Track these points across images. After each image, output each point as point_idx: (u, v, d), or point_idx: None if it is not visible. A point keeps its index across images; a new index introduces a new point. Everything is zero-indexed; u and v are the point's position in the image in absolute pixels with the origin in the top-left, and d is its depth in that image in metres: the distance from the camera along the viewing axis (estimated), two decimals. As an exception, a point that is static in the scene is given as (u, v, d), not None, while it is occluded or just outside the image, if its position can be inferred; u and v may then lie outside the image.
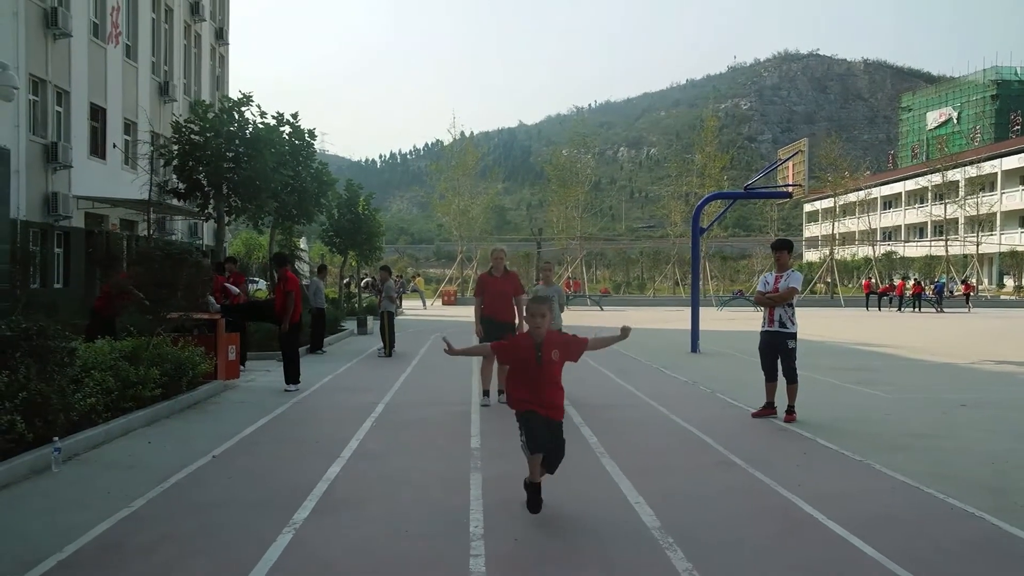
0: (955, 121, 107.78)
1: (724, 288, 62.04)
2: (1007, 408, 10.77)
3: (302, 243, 46.99)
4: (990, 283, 72.49)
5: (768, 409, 9.93)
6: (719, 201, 26.44)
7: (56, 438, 6.93)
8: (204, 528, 5.33)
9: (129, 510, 5.70)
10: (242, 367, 14.64)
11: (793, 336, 9.79)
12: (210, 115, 18.27)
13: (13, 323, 7.46)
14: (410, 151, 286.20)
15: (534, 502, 5.57)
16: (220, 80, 38.90)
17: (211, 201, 18.46)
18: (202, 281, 11.23)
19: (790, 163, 19.17)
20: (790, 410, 9.68)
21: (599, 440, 8.30)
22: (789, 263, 10.01)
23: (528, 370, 5.54)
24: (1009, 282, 70.31)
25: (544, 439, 5.50)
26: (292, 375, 12.05)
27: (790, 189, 19.06)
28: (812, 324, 30.15)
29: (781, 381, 9.84)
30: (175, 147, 18.39)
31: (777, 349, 9.80)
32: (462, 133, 66.20)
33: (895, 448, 8.04)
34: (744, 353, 16.81)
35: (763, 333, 9.97)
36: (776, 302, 9.75)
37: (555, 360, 5.56)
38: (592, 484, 6.56)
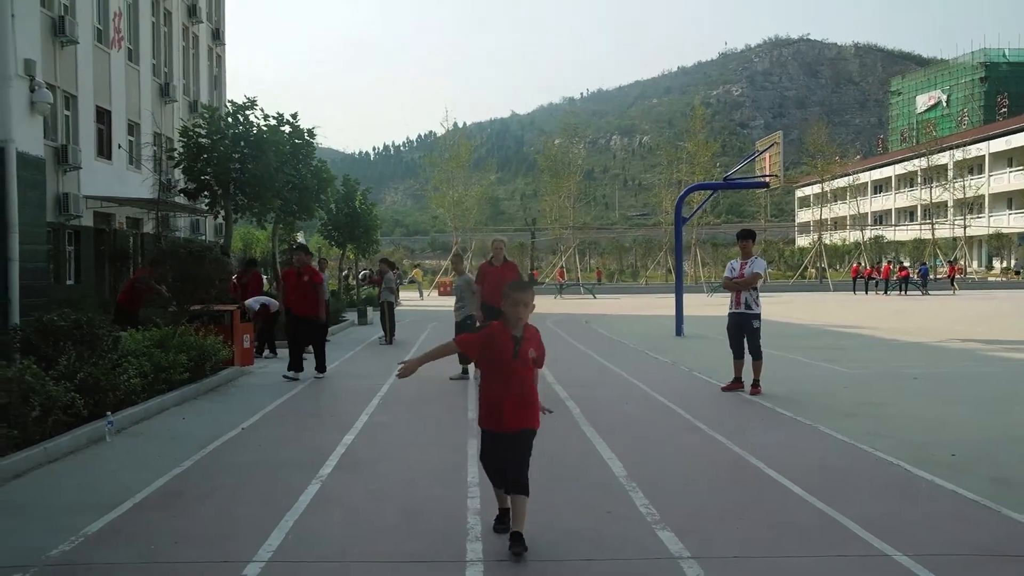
0: (945, 104, 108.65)
1: (715, 275, 63.12)
2: (955, 379, 11.87)
3: (300, 237, 47.94)
4: (979, 265, 73.68)
5: (736, 384, 10.98)
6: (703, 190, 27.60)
7: (109, 412, 7.99)
8: (245, 482, 6.40)
9: (180, 469, 6.77)
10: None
11: (757, 317, 10.85)
12: (219, 121, 19.25)
13: (65, 315, 8.50)
14: (403, 143, 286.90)
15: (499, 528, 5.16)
16: (218, 79, 39.76)
17: (219, 200, 19.46)
18: (221, 276, 12.25)
19: (767, 154, 20.22)
20: (755, 384, 10.72)
21: (581, 411, 9.37)
22: (753, 251, 11.06)
23: (503, 366, 4.91)
24: (997, 264, 71.50)
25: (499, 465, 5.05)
26: (321, 364, 12.93)
27: (767, 179, 20.11)
28: (798, 308, 31.32)
29: (748, 358, 10.89)
30: (182, 149, 19.38)
31: (743, 329, 10.85)
32: (455, 125, 67.02)
33: (844, 415, 9.11)
34: (726, 336, 17.87)
35: (730, 315, 11.04)
36: (742, 287, 10.81)
37: (530, 359, 4.96)
38: (572, 444, 7.65)
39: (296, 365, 12.50)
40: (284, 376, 12.36)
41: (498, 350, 4.90)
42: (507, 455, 4.95)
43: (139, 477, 6.46)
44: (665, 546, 4.87)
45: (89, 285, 24.51)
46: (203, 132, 19.42)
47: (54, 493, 6.11)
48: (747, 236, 11.20)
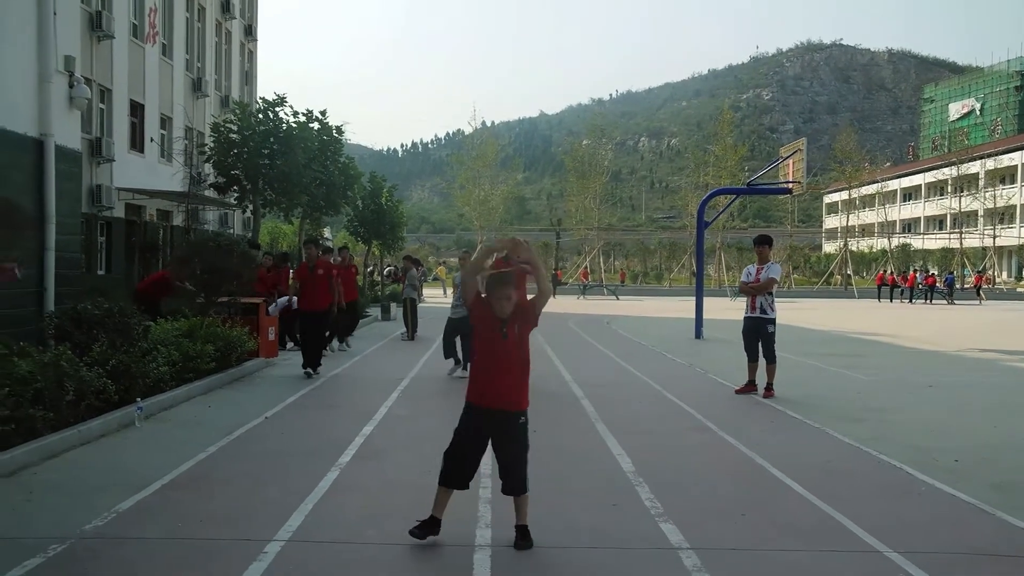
0: (978, 112, 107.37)
1: (739, 279, 62.99)
2: (967, 389, 11.96)
3: (327, 232, 48.47)
4: (1008, 276, 73.00)
5: (750, 386, 11.14)
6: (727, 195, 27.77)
7: (139, 399, 8.32)
8: (268, 467, 6.69)
9: (205, 454, 7.06)
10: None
11: (772, 321, 11.00)
12: (251, 117, 19.65)
13: (98, 304, 8.84)
14: (431, 140, 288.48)
15: (420, 532, 4.97)
16: (249, 75, 40.25)
17: (248, 195, 19.87)
18: (248, 268, 12.55)
19: (790, 161, 20.31)
20: (769, 387, 10.89)
21: (595, 410, 9.59)
22: (769, 256, 11.22)
23: (493, 345, 5.07)
24: (1027, 274, 70.80)
25: (472, 458, 5.22)
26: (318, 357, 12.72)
27: (790, 186, 20.22)
28: (821, 315, 31.32)
29: (763, 361, 11.04)
30: (213, 144, 19.80)
31: (758, 333, 11.00)
32: (483, 124, 67.31)
33: (853, 419, 9.26)
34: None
35: (746, 319, 11.20)
36: (757, 291, 10.97)
37: (518, 334, 5.09)
38: (584, 440, 7.89)
39: (311, 361, 12.44)
40: (305, 373, 12.30)
41: (487, 327, 5.05)
42: (502, 447, 5.15)
43: (167, 460, 6.75)
44: (666, 537, 5.09)
45: (119, 275, 24.97)
46: (234, 128, 19.83)
47: (87, 473, 6.42)
48: (763, 242, 11.36)
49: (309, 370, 12.34)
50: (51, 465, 6.59)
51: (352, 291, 16.77)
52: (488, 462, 6.79)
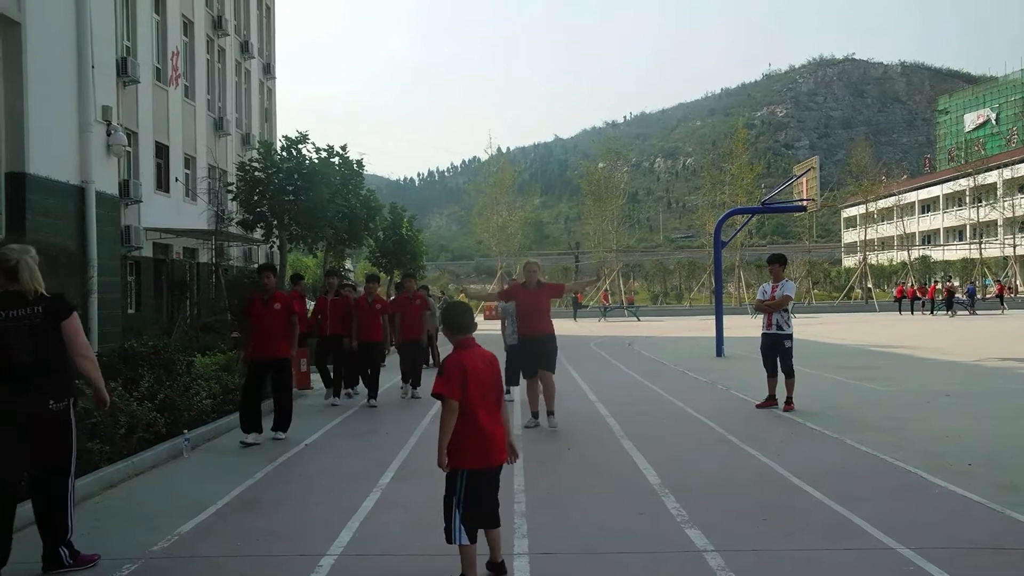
0: (994, 122, 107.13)
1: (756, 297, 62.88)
2: (985, 396, 12.23)
3: (347, 264, 48.97)
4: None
5: (770, 401, 11.45)
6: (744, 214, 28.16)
7: (186, 430, 8.76)
8: (314, 489, 7.09)
9: (253, 480, 7.48)
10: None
11: (789, 337, 11.32)
12: (275, 155, 20.24)
13: (143, 341, 9.31)
14: (447, 168, 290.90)
15: None
16: (268, 112, 41.09)
17: (274, 231, 20.42)
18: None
19: (804, 179, 20.66)
20: (788, 401, 11.20)
21: (621, 427, 9.95)
22: (783, 275, 11.56)
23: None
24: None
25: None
26: (285, 419, 10.01)
27: (804, 203, 20.55)
28: (840, 329, 31.51)
29: (781, 376, 11.36)
30: (241, 184, 20.39)
31: (776, 349, 11.33)
32: (498, 150, 67.90)
33: (869, 429, 9.57)
34: (763, 356, 18.30)
35: (763, 335, 11.53)
36: (773, 308, 11.31)
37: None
38: (611, 455, 8.25)
39: (254, 424, 9.42)
40: (241, 443, 9.23)
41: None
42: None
43: (219, 486, 7.18)
44: (692, 541, 5.44)
45: (149, 313, 25.56)
46: (258, 166, 20.42)
47: (146, 500, 6.84)
48: (775, 261, 11.70)
49: (248, 439, 9.25)
50: (111, 494, 7.02)
51: (416, 329, 13.99)
52: (519, 479, 7.20)
